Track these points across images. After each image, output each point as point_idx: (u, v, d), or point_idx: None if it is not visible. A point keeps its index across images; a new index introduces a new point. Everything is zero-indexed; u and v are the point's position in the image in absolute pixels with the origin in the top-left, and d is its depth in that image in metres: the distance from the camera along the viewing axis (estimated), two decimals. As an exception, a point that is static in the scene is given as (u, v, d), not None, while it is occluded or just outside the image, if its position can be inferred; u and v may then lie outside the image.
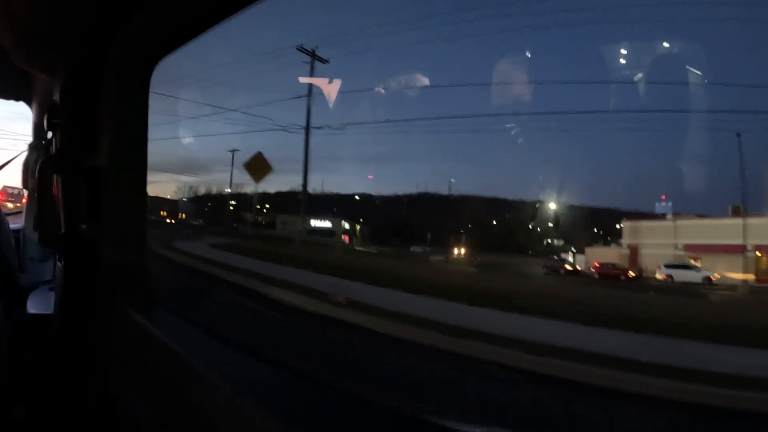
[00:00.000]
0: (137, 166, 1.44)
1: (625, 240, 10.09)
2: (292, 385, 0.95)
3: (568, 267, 11.49)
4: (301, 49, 14.34)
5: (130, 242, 1.43)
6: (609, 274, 9.37)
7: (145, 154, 1.44)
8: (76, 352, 1.43)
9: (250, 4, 1.00)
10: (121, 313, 1.33)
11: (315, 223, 28.07)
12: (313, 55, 15.00)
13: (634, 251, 9.06)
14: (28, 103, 2.29)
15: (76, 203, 1.38)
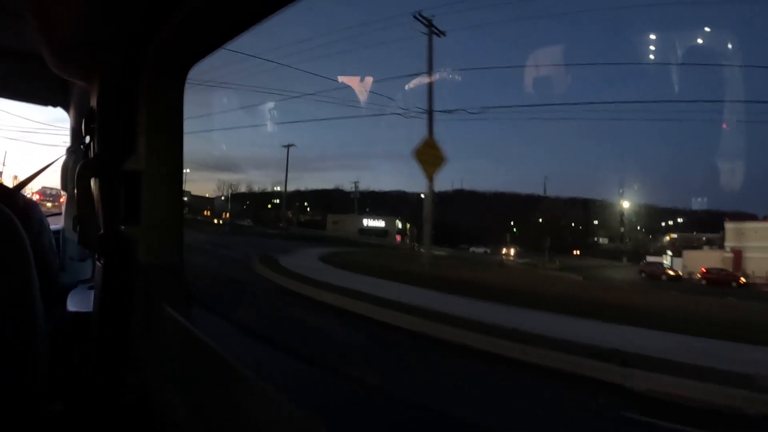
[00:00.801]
0: (173, 168, 1.48)
1: (729, 243, 9.21)
2: (335, 387, 0.96)
3: (670, 272, 10.50)
4: (419, 17, 12.83)
5: (167, 242, 1.47)
6: (718, 280, 8.57)
7: (181, 157, 1.48)
8: (114, 349, 1.48)
9: (285, 6, 1.00)
10: (159, 311, 1.37)
11: (368, 222, 27.99)
12: (430, 26, 13.28)
13: (738, 255, 8.38)
14: (66, 108, 2.37)
15: (115, 205, 1.42)
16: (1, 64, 1.88)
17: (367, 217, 29.10)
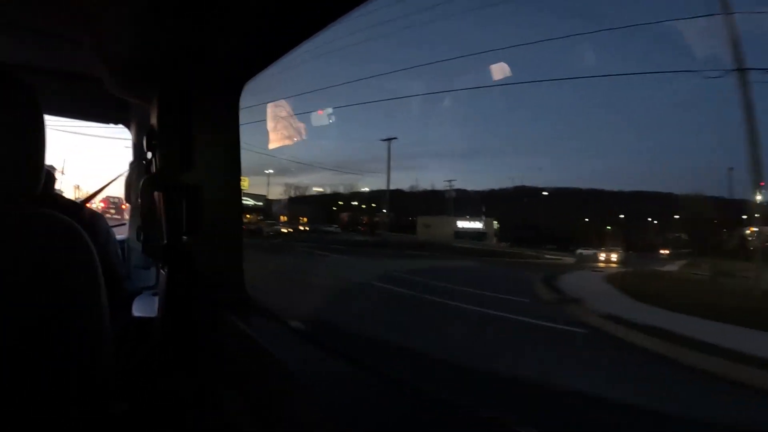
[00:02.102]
0: (231, 181, 1.55)
1: None
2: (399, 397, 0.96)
3: None
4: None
5: (227, 251, 1.54)
6: None
7: (238, 169, 1.55)
8: (176, 352, 1.56)
9: (338, 18, 1.03)
10: (219, 316, 1.43)
11: (463, 224, 26.81)
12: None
13: None
14: (127, 126, 2.50)
15: (177, 217, 1.50)
16: (64, 87, 2.03)
17: (462, 219, 27.84)
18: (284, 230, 29.72)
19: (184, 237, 1.51)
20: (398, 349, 4.81)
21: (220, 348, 1.43)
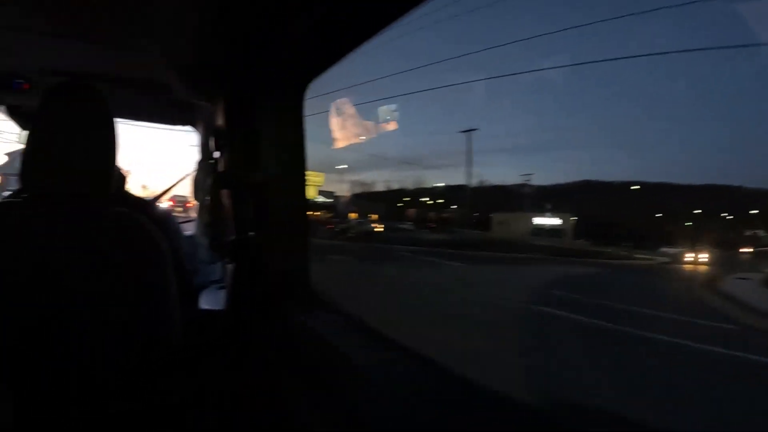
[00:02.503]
0: (296, 179, 1.58)
1: None
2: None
3: None
4: None
5: (292, 248, 1.57)
6: None
7: (303, 167, 1.58)
8: (242, 344, 1.61)
9: (396, 20, 1.02)
10: (284, 310, 1.47)
11: (540, 220, 25.71)
12: None
13: None
14: (194, 127, 2.59)
15: (244, 214, 1.55)
16: (133, 93, 2.11)
17: (538, 215, 26.57)
18: (378, 229, 28.01)
19: (251, 233, 1.55)
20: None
21: (285, 340, 1.47)
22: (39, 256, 1.22)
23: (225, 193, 1.58)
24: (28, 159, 1.24)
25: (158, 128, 2.71)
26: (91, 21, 1.52)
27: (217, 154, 1.69)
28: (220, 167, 1.66)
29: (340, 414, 1.06)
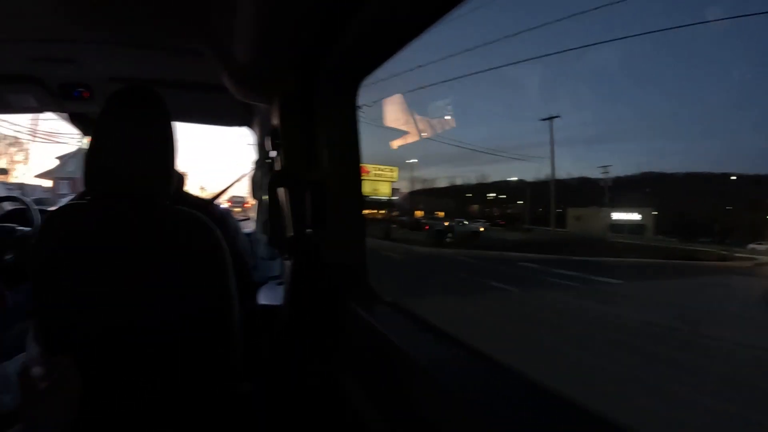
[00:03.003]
0: (353, 177, 1.60)
1: None
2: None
3: None
4: None
5: (350, 244, 1.60)
6: None
7: (358, 166, 1.60)
8: (300, 339, 1.65)
9: (449, 12, 1.02)
10: (342, 305, 1.49)
11: (618, 215, 23.97)
12: None
13: None
14: (250, 127, 2.67)
15: (302, 211, 1.58)
16: (190, 96, 2.23)
17: (616, 210, 24.90)
18: (481, 229, 23.96)
19: (309, 230, 1.58)
20: None
21: (343, 336, 1.49)
22: (105, 255, 1.30)
23: (282, 191, 1.61)
24: (91, 163, 1.32)
25: (216, 130, 2.80)
26: (147, 29, 1.60)
27: (273, 154, 1.74)
28: (277, 166, 1.71)
29: (402, 414, 1.06)
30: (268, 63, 1.46)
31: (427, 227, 23.95)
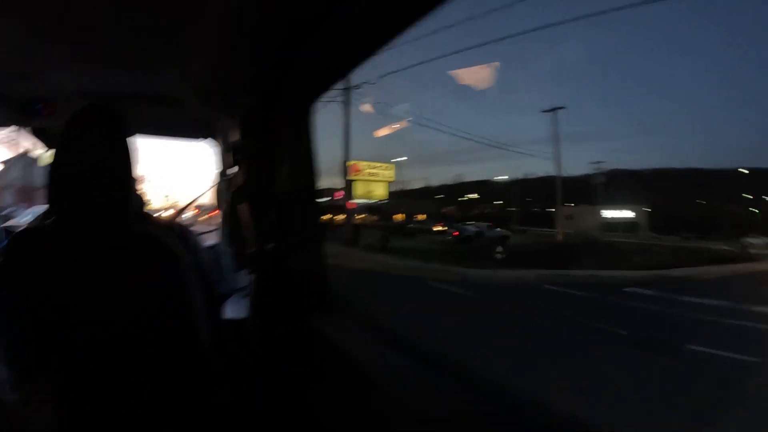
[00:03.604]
0: (310, 190, 1.63)
1: None
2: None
3: None
4: None
5: (310, 257, 1.62)
6: None
7: (316, 179, 1.62)
8: (266, 352, 1.67)
9: (398, 36, 1.06)
10: (304, 317, 1.52)
11: (611, 213, 23.75)
12: None
13: None
14: (214, 140, 2.64)
15: (262, 226, 1.61)
16: (154, 111, 2.20)
17: (609, 208, 24.61)
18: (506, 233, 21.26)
19: (271, 244, 1.61)
20: None
21: (306, 348, 1.52)
22: (70, 277, 1.32)
23: (244, 207, 1.64)
24: (54, 181, 1.33)
25: (179, 142, 2.79)
26: (112, 46, 1.61)
27: (234, 169, 1.77)
28: (238, 181, 1.73)
29: (357, 419, 1.10)
30: (229, 82, 1.50)
31: (456, 233, 21.53)
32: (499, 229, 22.17)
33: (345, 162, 24.61)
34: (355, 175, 26.92)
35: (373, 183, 27.37)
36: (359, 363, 1.14)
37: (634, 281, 12.40)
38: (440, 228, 25.77)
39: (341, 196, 30.74)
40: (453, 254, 17.84)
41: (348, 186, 26.37)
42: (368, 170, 27.52)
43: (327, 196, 31.32)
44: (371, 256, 17.64)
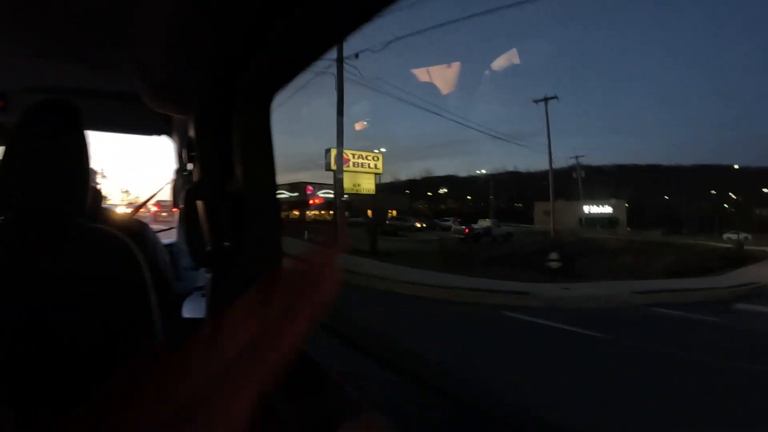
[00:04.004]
0: (268, 187, 1.61)
1: None
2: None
3: None
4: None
5: (267, 255, 1.60)
6: None
7: (274, 176, 1.60)
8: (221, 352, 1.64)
9: (360, 27, 1.05)
10: None
11: (590, 209, 23.83)
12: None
13: None
14: (170, 136, 2.63)
15: (218, 225, 1.58)
16: (109, 106, 2.21)
17: (587, 203, 24.61)
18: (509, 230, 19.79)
19: (227, 243, 1.58)
20: None
21: None
22: (21, 279, 1.27)
23: (200, 204, 1.61)
24: (4, 179, 1.29)
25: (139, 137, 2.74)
26: (63, 39, 1.57)
27: (190, 166, 1.74)
28: (194, 178, 1.70)
29: (305, 413, 1.10)
30: (185, 76, 1.46)
31: (468, 230, 20.47)
32: (503, 226, 21.36)
33: (329, 150, 22.70)
34: (344, 166, 24.01)
35: (360, 176, 24.70)
36: (320, 365, 1.14)
37: (736, 295, 10.83)
38: (420, 225, 25.08)
39: (311, 191, 29.98)
40: (466, 258, 15.62)
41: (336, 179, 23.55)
42: (355, 160, 24.76)
43: (295, 191, 30.88)
44: (360, 261, 14.64)
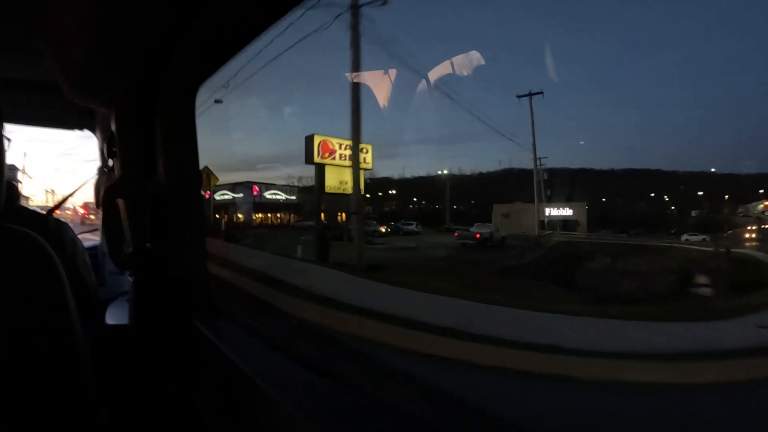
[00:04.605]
0: (192, 186, 1.54)
1: None
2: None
3: None
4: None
5: (192, 257, 1.54)
6: None
7: (198, 174, 1.54)
8: (150, 360, 1.56)
9: (281, 18, 1.05)
10: (187, 322, 1.44)
11: (551, 211, 23.97)
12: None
13: None
14: (92, 131, 2.48)
15: (141, 224, 1.50)
16: (25, 96, 2.06)
17: (549, 205, 24.66)
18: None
19: (149, 244, 1.51)
20: None
21: (189, 355, 1.44)
22: None
23: (120, 203, 1.52)
24: None
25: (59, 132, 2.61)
26: None
27: (111, 162, 1.64)
28: (116, 174, 1.61)
29: (240, 425, 1.09)
30: (103, 65, 1.37)
31: (478, 235, 18.56)
32: (498, 230, 20.02)
33: (311, 137, 17.85)
34: (328, 157, 18.71)
35: (346, 170, 18.17)
36: (242, 367, 1.10)
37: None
38: (384, 230, 23.81)
39: (257, 193, 29.00)
40: (481, 271, 11.77)
41: (321, 173, 18.58)
42: (341, 152, 18.81)
43: (240, 192, 29.91)
44: (343, 279, 9.05)
